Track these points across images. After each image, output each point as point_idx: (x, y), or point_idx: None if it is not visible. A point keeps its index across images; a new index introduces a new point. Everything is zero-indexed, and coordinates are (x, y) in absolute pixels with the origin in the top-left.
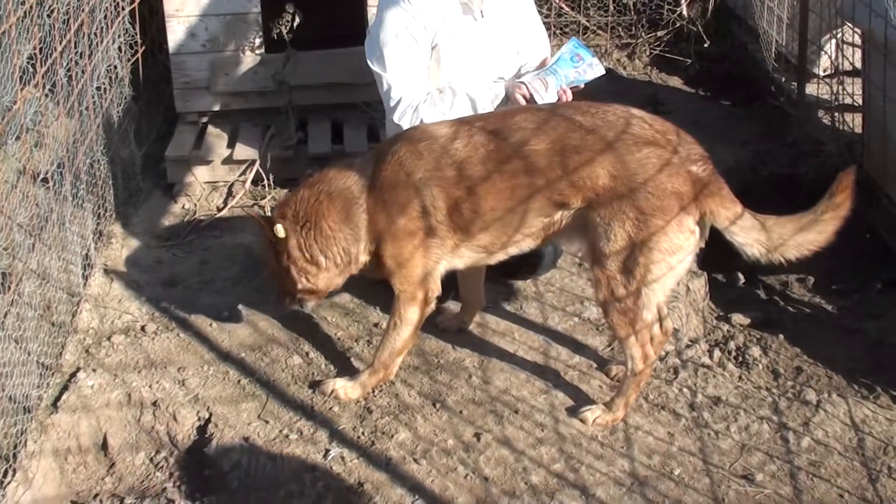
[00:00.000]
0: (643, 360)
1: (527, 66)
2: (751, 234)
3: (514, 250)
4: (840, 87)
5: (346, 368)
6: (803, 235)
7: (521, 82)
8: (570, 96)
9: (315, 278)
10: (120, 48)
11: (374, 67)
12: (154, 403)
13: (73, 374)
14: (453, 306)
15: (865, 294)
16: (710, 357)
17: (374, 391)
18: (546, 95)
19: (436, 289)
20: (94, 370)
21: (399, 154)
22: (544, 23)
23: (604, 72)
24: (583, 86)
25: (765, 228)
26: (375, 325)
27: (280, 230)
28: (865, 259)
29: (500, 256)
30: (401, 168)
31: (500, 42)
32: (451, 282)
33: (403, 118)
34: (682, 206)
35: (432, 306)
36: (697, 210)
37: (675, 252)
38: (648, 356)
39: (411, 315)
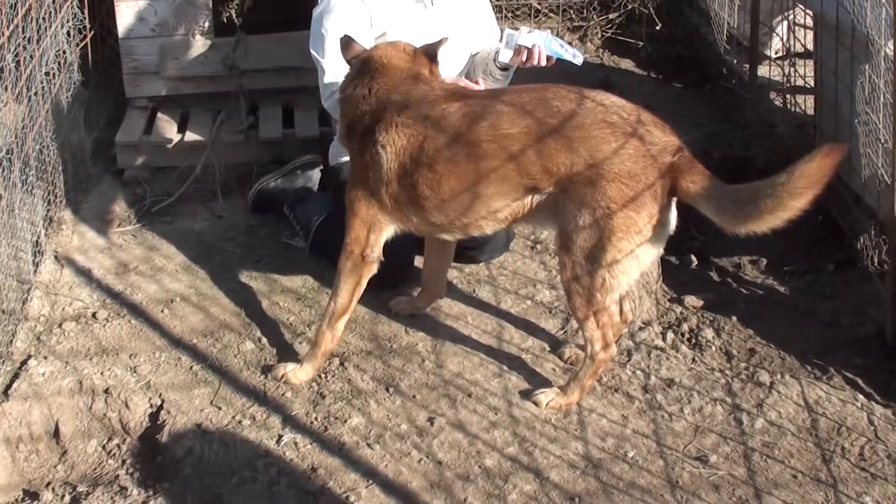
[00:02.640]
0: (602, 344)
1: (479, 53)
2: (724, 206)
3: (474, 231)
4: (792, 69)
5: (298, 353)
6: (773, 202)
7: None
8: (543, 59)
9: None
10: (69, 33)
11: (314, 53)
12: (106, 391)
13: (24, 362)
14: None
15: (818, 275)
16: (664, 339)
17: (326, 376)
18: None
19: (376, 249)
20: (45, 357)
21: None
22: (496, 6)
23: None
24: (554, 60)
25: (738, 199)
26: None
27: None
28: (818, 240)
29: (458, 235)
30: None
31: (450, 30)
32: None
33: (328, 101)
34: (654, 199)
35: (372, 269)
36: (669, 202)
37: (643, 243)
38: (608, 341)
39: (347, 269)
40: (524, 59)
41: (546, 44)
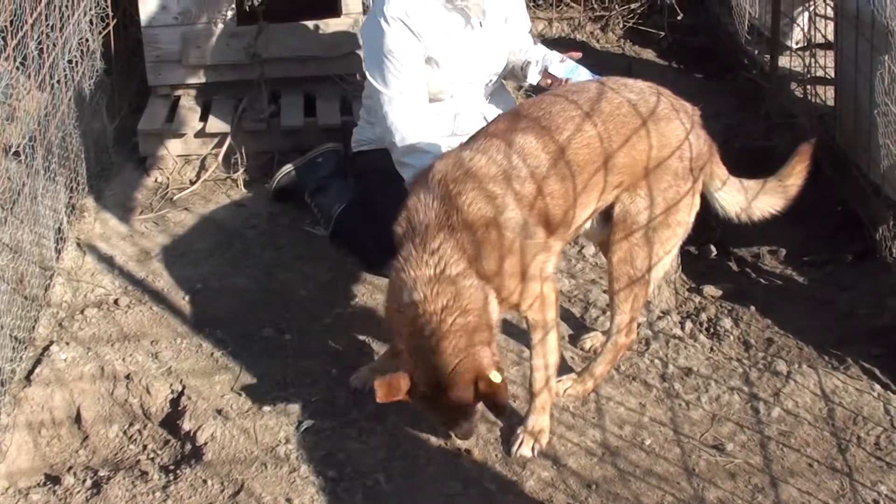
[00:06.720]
0: (627, 330)
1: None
2: (733, 196)
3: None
4: (812, 60)
5: (317, 341)
6: (768, 199)
7: None
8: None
9: None
10: (91, 21)
11: (376, 83)
12: (127, 376)
13: (47, 348)
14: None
15: (837, 266)
16: (682, 328)
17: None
18: None
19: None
20: (67, 343)
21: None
22: None
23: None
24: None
25: (743, 190)
26: (348, 296)
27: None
28: (836, 231)
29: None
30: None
31: (495, 45)
32: None
33: (396, 149)
34: (701, 168)
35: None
36: (702, 176)
37: (686, 221)
38: (632, 328)
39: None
40: (549, 83)
41: (575, 77)
